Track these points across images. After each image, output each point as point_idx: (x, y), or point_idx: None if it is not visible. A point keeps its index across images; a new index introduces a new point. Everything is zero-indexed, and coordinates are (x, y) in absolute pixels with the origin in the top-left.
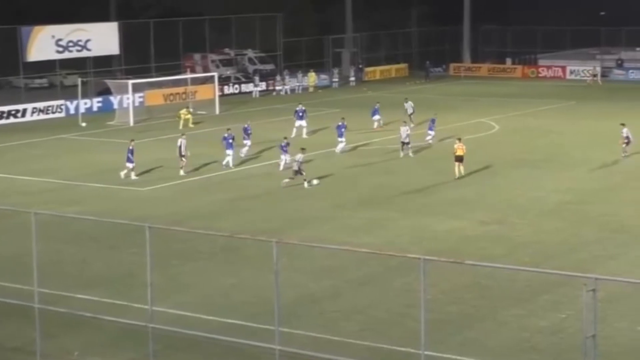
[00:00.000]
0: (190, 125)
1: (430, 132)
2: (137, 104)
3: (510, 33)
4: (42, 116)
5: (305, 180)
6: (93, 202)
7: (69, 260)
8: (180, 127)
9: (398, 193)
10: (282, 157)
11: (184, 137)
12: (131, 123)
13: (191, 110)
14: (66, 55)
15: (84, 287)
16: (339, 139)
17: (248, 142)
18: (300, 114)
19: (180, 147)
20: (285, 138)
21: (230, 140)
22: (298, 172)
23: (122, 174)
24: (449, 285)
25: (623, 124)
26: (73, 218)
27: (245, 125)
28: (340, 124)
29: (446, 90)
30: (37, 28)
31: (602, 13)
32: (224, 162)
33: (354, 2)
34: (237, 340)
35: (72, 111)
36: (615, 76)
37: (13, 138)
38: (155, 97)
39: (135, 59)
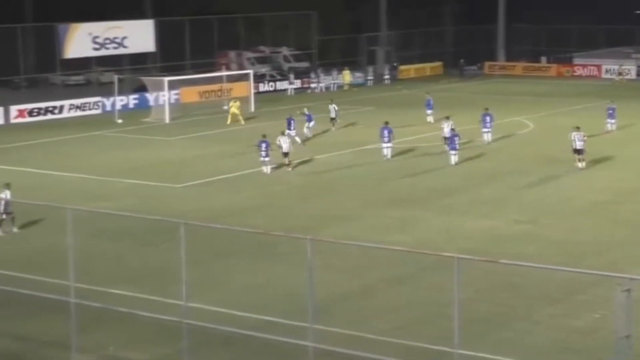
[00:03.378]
0: (242, 122)
1: (610, 120)
2: (172, 101)
3: (545, 32)
4: (79, 113)
5: None
6: (128, 198)
7: (105, 256)
8: (229, 121)
9: (430, 192)
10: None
11: (284, 135)
12: (167, 120)
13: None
14: (102, 52)
15: (119, 283)
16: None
17: None
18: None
19: (282, 145)
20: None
21: (387, 133)
22: None
23: (271, 167)
24: (482, 285)
25: None
26: (109, 214)
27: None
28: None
29: (481, 89)
30: (74, 25)
31: (638, 12)
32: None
33: (387, 0)
34: (270, 337)
35: (108, 108)
36: None
37: (50, 134)
38: (191, 95)
39: (171, 56)
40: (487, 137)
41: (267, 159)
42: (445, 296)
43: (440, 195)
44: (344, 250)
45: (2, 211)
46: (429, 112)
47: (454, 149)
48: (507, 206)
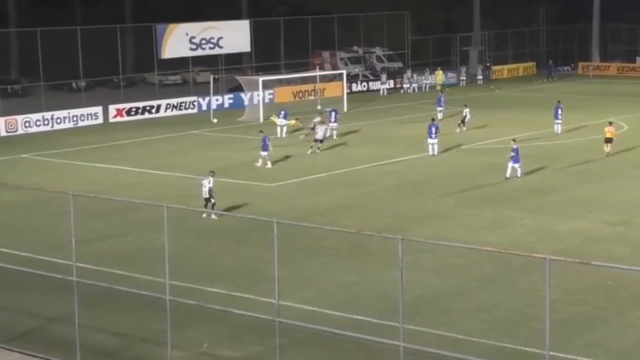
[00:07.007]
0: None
1: None
2: (267, 100)
3: None
4: (175, 112)
5: None
6: (222, 197)
7: (199, 253)
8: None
9: (519, 192)
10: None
11: (323, 124)
12: (261, 119)
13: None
14: (199, 52)
15: (213, 280)
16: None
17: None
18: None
19: (318, 131)
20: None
21: (434, 129)
22: None
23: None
24: (573, 286)
25: None
26: (202, 212)
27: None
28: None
29: (573, 89)
30: (171, 26)
31: None
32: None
33: (481, 0)
34: (361, 336)
35: (204, 107)
36: None
37: (147, 133)
38: (285, 94)
39: (265, 56)
40: (558, 128)
41: (265, 153)
42: (536, 297)
43: (530, 195)
44: (434, 250)
45: (207, 196)
46: (439, 109)
47: (516, 161)
48: (599, 207)
